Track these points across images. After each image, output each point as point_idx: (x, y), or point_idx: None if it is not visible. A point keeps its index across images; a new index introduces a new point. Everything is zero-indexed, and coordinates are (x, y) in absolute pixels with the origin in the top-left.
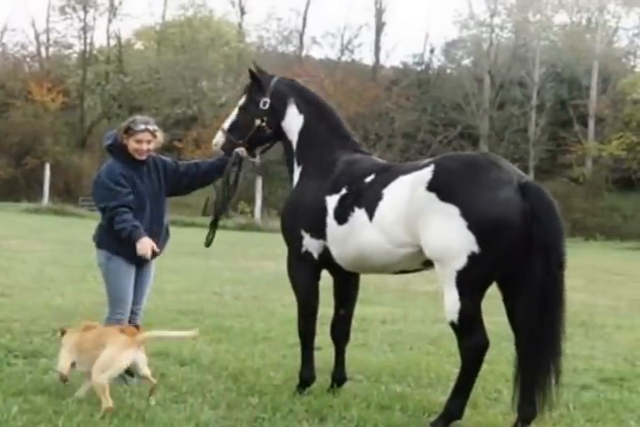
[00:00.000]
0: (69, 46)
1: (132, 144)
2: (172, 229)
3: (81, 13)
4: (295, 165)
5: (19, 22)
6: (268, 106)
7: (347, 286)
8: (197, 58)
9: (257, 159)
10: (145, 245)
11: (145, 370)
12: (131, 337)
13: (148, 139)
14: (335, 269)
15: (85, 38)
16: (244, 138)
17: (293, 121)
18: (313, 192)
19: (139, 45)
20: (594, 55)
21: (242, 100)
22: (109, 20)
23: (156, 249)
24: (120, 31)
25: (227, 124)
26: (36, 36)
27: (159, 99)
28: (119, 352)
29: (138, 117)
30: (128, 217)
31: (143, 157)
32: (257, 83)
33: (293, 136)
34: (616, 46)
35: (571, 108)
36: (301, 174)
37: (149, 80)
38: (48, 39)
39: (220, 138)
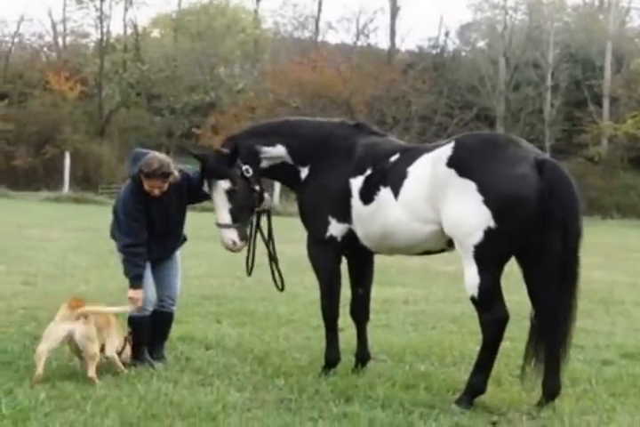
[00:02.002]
0: (86, 35)
1: (145, 184)
2: (192, 214)
3: (97, 2)
4: (300, 168)
5: (35, 12)
6: (251, 170)
7: (364, 265)
8: (214, 45)
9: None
10: (133, 298)
11: (84, 344)
12: (69, 311)
13: (159, 185)
14: (354, 251)
15: (102, 27)
16: (252, 212)
17: (274, 155)
18: (335, 177)
19: (155, 33)
20: (607, 35)
21: (225, 186)
22: (126, 9)
23: (140, 305)
24: (136, 19)
25: (226, 219)
26: (53, 26)
27: (177, 86)
28: (55, 325)
29: (155, 159)
30: (138, 261)
31: (158, 195)
32: (223, 160)
33: (285, 159)
34: (629, 26)
35: (585, 89)
36: (312, 169)
37: (167, 68)
38: (65, 29)
39: (231, 235)
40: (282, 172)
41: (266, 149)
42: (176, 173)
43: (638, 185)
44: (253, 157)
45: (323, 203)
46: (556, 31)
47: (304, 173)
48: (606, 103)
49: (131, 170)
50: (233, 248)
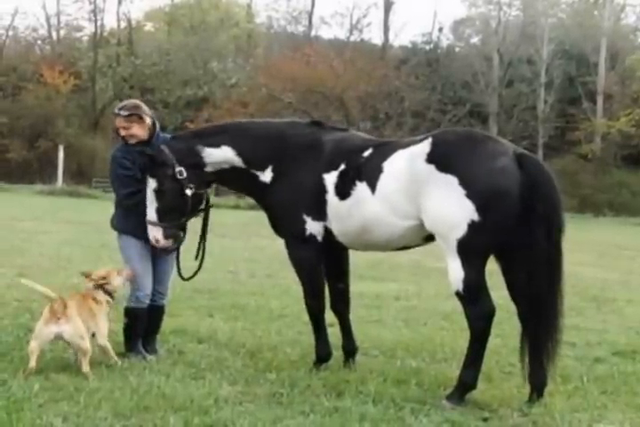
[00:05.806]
0: (80, 29)
1: (120, 129)
2: None
3: None
4: (257, 172)
5: (29, 5)
6: (184, 173)
7: (341, 261)
8: (207, 39)
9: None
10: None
11: (76, 342)
12: (52, 314)
13: (123, 125)
14: (330, 248)
15: (96, 21)
16: (185, 213)
17: (220, 157)
18: (306, 175)
19: (149, 27)
20: (602, 32)
21: (152, 185)
22: (119, 2)
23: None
24: (130, 13)
25: (152, 216)
26: (47, 19)
27: (170, 80)
28: (41, 327)
29: (127, 101)
30: (137, 213)
31: (132, 142)
32: (152, 159)
33: (236, 162)
34: (624, 23)
35: (579, 85)
36: (277, 171)
37: (160, 62)
38: (59, 22)
39: (156, 233)
40: (233, 177)
41: (208, 149)
42: (148, 120)
43: (631, 183)
44: (193, 159)
45: (296, 202)
46: (550, 27)
47: (265, 176)
48: (600, 100)
49: None
50: (156, 246)
